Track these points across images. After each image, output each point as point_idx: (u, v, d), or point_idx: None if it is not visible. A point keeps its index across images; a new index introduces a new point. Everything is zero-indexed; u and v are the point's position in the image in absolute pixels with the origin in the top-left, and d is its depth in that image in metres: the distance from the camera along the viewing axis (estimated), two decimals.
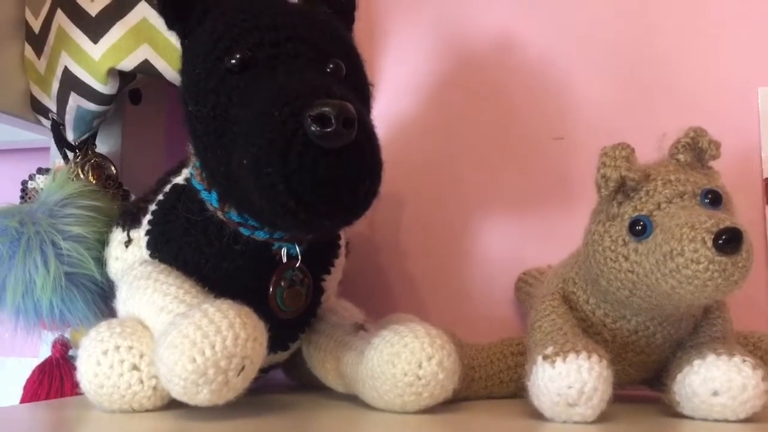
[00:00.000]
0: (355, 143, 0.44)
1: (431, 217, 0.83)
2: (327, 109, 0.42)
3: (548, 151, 0.80)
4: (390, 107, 0.85)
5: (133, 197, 0.73)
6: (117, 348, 0.51)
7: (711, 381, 0.48)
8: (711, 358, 0.49)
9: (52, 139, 0.75)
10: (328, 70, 0.50)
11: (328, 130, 0.42)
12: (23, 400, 0.70)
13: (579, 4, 0.81)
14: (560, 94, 0.80)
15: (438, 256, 0.82)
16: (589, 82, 0.79)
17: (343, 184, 0.44)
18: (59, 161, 0.74)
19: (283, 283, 0.56)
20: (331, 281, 0.62)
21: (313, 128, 0.42)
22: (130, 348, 0.51)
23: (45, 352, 0.74)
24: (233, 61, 0.48)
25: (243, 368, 0.46)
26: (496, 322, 0.78)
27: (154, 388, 0.50)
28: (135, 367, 0.50)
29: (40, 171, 0.74)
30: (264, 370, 0.64)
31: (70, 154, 0.73)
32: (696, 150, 0.53)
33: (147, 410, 0.51)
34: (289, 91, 0.44)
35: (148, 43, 0.65)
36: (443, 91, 0.84)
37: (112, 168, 0.74)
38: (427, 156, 0.83)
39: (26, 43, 0.73)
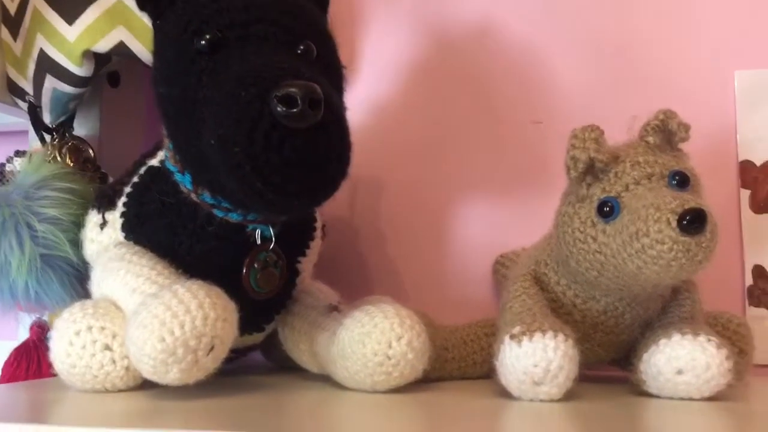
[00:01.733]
0: (321, 124, 0.44)
1: (410, 201, 0.83)
2: (293, 89, 0.42)
3: (527, 135, 0.80)
4: (370, 91, 0.85)
5: (110, 180, 0.73)
6: (89, 328, 0.51)
7: (675, 360, 0.49)
8: (676, 337, 0.50)
9: (30, 122, 0.75)
10: (299, 51, 0.50)
11: (294, 110, 0.42)
12: (1, 382, 0.70)
13: None
14: (539, 78, 0.81)
15: (417, 240, 0.82)
16: (567, 66, 0.80)
17: (310, 164, 0.44)
18: (37, 144, 0.74)
19: (256, 265, 0.56)
20: (307, 263, 0.63)
21: (279, 108, 0.42)
22: (103, 328, 0.51)
23: (23, 334, 0.74)
24: (203, 42, 0.48)
25: (212, 348, 0.46)
26: (475, 304, 0.79)
27: (127, 368, 0.51)
28: (107, 347, 0.51)
29: (17, 153, 0.73)
30: (240, 352, 0.65)
31: (48, 137, 0.73)
32: (665, 132, 0.53)
33: (120, 390, 0.51)
34: (256, 72, 0.45)
35: (124, 24, 0.65)
36: (423, 75, 0.84)
37: (90, 151, 0.74)
38: (406, 140, 0.84)
39: (2, 26, 0.72)
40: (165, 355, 0.45)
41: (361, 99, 0.84)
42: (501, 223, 0.80)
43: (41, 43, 0.67)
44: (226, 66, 0.47)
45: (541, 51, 0.81)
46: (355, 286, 0.81)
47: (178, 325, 0.45)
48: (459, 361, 0.61)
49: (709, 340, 0.49)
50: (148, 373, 0.46)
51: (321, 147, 0.45)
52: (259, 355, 0.73)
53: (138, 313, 0.46)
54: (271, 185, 0.44)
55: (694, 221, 0.46)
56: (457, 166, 0.82)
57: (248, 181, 0.44)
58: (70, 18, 0.65)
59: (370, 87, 0.85)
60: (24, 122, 0.79)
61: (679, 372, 0.49)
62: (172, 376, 0.46)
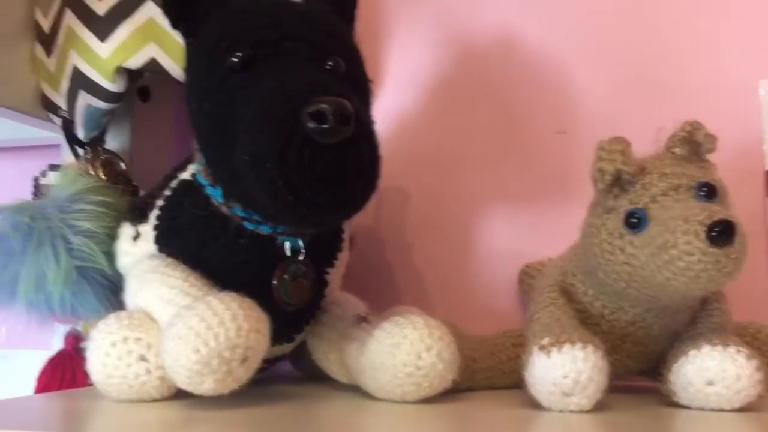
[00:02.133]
0: (352, 139, 0.45)
1: (435, 211, 0.84)
2: (324, 105, 0.43)
3: (551, 146, 0.80)
4: (394, 103, 0.86)
5: (141, 193, 0.74)
6: (125, 339, 0.52)
7: (706, 371, 0.49)
8: (706, 348, 0.50)
9: (64, 137, 0.76)
10: (328, 67, 0.51)
11: (325, 126, 0.43)
12: (36, 392, 0.72)
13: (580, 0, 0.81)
14: (563, 88, 0.81)
15: (442, 250, 0.83)
16: (592, 76, 0.80)
17: (341, 179, 0.45)
18: (70, 158, 0.76)
19: (286, 276, 0.57)
20: (335, 274, 0.63)
21: (310, 125, 0.43)
22: (138, 339, 0.52)
23: (58, 344, 0.76)
24: (234, 60, 0.49)
25: (246, 359, 0.47)
26: (500, 314, 0.79)
27: (162, 379, 0.52)
28: (143, 358, 0.52)
29: (51, 167, 0.75)
30: (270, 362, 0.66)
31: (81, 151, 0.74)
32: (692, 143, 0.53)
33: (155, 400, 0.52)
34: (287, 89, 0.46)
35: (155, 41, 0.66)
36: (447, 86, 0.85)
37: (122, 164, 0.76)
38: (431, 151, 0.84)
39: (36, 43, 0.74)
40: (200, 366, 0.45)
41: (386, 110, 0.85)
42: (526, 233, 0.81)
43: (75, 59, 0.68)
44: (258, 83, 0.48)
45: (564, 61, 0.81)
46: (381, 295, 0.81)
47: (212, 337, 0.45)
48: (487, 371, 0.62)
49: (739, 351, 0.49)
50: (183, 384, 0.47)
51: (352, 162, 0.45)
52: (287, 365, 0.74)
53: (173, 324, 0.47)
54: (303, 200, 0.45)
55: (723, 233, 0.46)
56: (482, 176, 0.83)
57: (281, 196, 0.45)
58: (103, 35, 0.67)
59: (395, 99, 0.86)
60: (57, 137, 0.81)
61: (710, 383, 0.49)
62: (206, 386, 0.47)
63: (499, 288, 0.80)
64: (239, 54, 0.49)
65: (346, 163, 0.45)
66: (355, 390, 0.57)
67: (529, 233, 0.80)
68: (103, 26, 0.67)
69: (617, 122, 0.77)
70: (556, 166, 0.80)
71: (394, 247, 0.84)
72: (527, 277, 0.75)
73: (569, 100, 0.80)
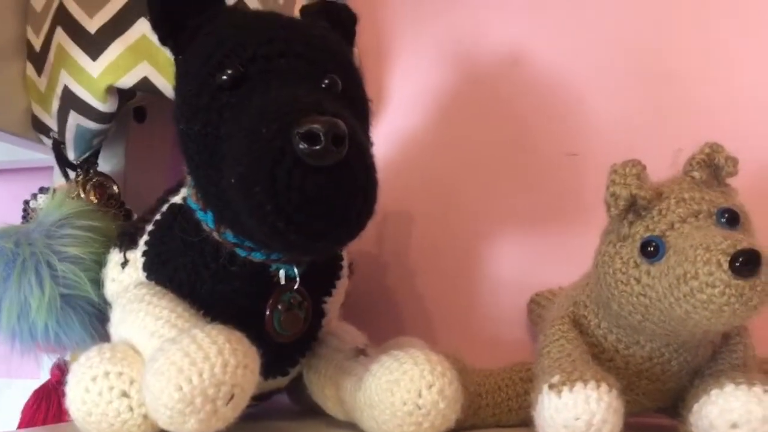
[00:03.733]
0: (346, 161, 0.42)
1: (440, 236, 0.81)
2: (316, 126, 0.40)
3: (561, 168, 0.78)
4: (398, 124, 0.83)
5: (135, 217, 0.72)
6: (106, 374, 0.49)
7: (729, 412, 0.45)
8: (729, 387, 0.46)
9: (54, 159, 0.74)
10: (323, 85, 0.48)
11: (317, 147, 0.40)
12: (20, 425, 0.69)
13: (591, 18, 0.79)
14: (573, 109, 0.78)
15: (447, 276, 0.80)
16: (603, 97, 0.77)
17: (334, 203, 0.42)
18: (61, 180, 0.73)
19: (280, 306, 0.54)
20: (333, 304, 0.60)
21: (301, 146, 0.40)
22: (120, 374, 0.49)
23: (46, 375, 0.73)
24: (224, 77, 0.47)
25: (232, 397, 0.44)
26: (507, 345, 0.76)
27: (145, 416, 0.48)
28: (124, 394, 0.48)
29: (42, 190, 0.73)
30: (263, 397, 0.62)
31: (72, 174, 0.72)
32: (712, 167, 0.50)
33: None
34: (278, 108, 0.43)
35: (148, 60, 0.64)
36: (453, 107, 0.82)
37: (115, 187, 0.73)
38: (436, 173, 0.82)
39: (27, 62, 0.72)
40: (182, 405, 0.42)
41: (390, 132, 0.82)
42: (534, 260, 0.78)
43: (65, 79, 0.66)
44: (248, 101, 0.46)
45: (574, 81, 0.79)
46: (382, 324, 0.78)
47: (196, 373, 0.42)
48: (493, 408, 0.58)
49: (766, 390, 0.45)
50: (165, 424, 0.44)
51: (345, 185, 0.42)
52: (284, 397, 0.71)
53: (155, 359, 0.44)
54: (293, 225, 0.42)
55: (747, 263, 0.42)
56: (489, 200, 0.80)
57: (269, 221, 0.42)
58: (93, 54, 0.64)
59: (399, 120, 0.83)
60: (48, 158, 0.78)
61: (734, 426, 0.45)
62: (189, 426, 0.43)
63: (506, 318, 0.77)
64: (229, 71, 0.47)
65: (340, 186, 0.42)
66: (353, 428, 0.54)
67: (538, 260, 0.77)
68: (94, 44, 0.64)
69: (630, 144, 0.74)
70: (566, 189, 0.77)
71: (396, 273, 0.82)
72: (537, 306, 0.72)
73: (579, 122, 0.77)
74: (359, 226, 0.45)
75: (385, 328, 0.74)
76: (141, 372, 0.49)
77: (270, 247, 0.49)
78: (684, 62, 0.75)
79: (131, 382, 0.49)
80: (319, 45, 0.50)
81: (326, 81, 0.48)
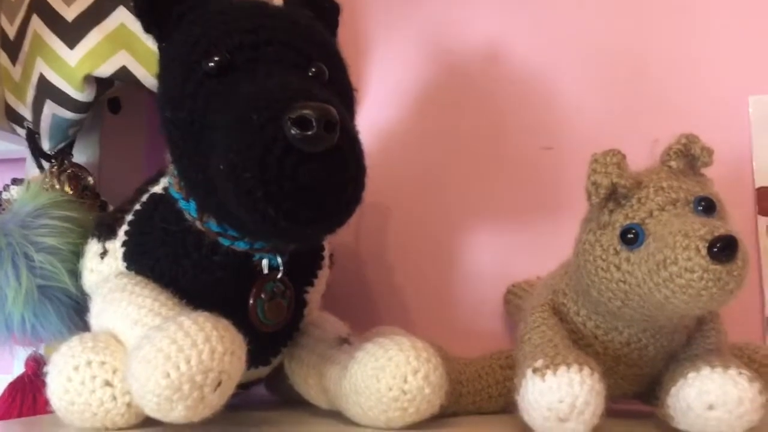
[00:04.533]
0: (337, 147, 0.42)
1: (418, 228, 0.81)
2: (308, 111, 0.41)
3: (537, 161, 0.79)
4: (376, 116, 0.83)
5: (110, 208, 0.71)
6: (89, 363, 0.48)
7: (706, 394, 0.46)
8: (706, 370, 0.47)
9: (28, 149, 0.73)
10: (310, 74, 0.48)
11: (309, 133, 0.40)
12: None
13: (566, 12, 0.80)
14: (549, 103, 0.79)
15: (425, 268, 0.80)
16: (577, 91, 0.78)
17: (325, 189, 0.42)
18: (35, 172, 0.72)
19: (263, 296, 0.54)
20: (314, 293, 0.61)
21: (293, 132, 0.40)
22: (103, 363, 0.48)
23: (19, 369, 0.72)
24: (211, 65, 0.47)
25: (220, 383, 0.44)
26: (485, 335, 0.77)
27: (128, 405, 0.48)
28: (107, 383, 0.48)
29: (14, 181, 0.71)
30: (245, 386, 0.62)
31: (46, 164, 0.71)
32: (688, 157, 0.51)
33: (120, 428, 0.49)
34: (268, 94, 0.43)
35: (126, 49, 0.63)
36: (430, 100, 0.83)
37: (89, 178, 0.72)
38: (413, 166, 0.82)
39: (1, 50, 0.71)
40: (170, 392, 0.42)
41: (367, 125, 0.81)
42: (510, 252, 0.78)
43: (41, 67, 0.65)
44: (236, 89, 0.46)
45: (550, 76, 0.80)
46: (360, 315, 0.78)
47: (183, 360, 0.42)
48: (474, 395, 0.59)
49: (741, 373, 0.47)
50: (152, 411, 0.44)
51: (336, 171, 0.43)
52: (261, 388, 0.70)
53: (141, 347, 0.44)
54: (283, 212, 0.42)
55: (725, 248, 0.43)
56: (465, 193, 0.80)
57: (260, 209, 0.42)
58: (71, 42, 0.64)
59: (376, 112, 0.84)
60: (21, 150, 0.77)
61: (711, 407, 0.46)
62: (177, 413, 0.43)
63: (483, 309, 0.78)
64: (216, 58, 0.46)
65: (331, 173, 0.42)
66: (336, 416, 0.54)
67: (514, 252, 0.78)
68: (71, 33, 0.64)
69: (604, 137, 0.75)
70: (541, 182, 0.78)
71: (374, 265, 0.82)
72: (513, 297, 0.73)
73: (555, 116, 0.79)
74: (348, 212, 0.45)
75: (363, 319, 0.74)
76: (124, 361, 0.48)
77: (258, 235, 0.49)
78: (657, 56, 0.76)
79: (114, 371, 0.48)
80: (306, 34, 0.50)
81: (313, 69, 0.48)
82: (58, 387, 0.49)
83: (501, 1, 0.82)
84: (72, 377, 0.48)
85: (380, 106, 0.84)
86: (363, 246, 0.82)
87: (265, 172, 0.41)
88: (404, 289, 0.81)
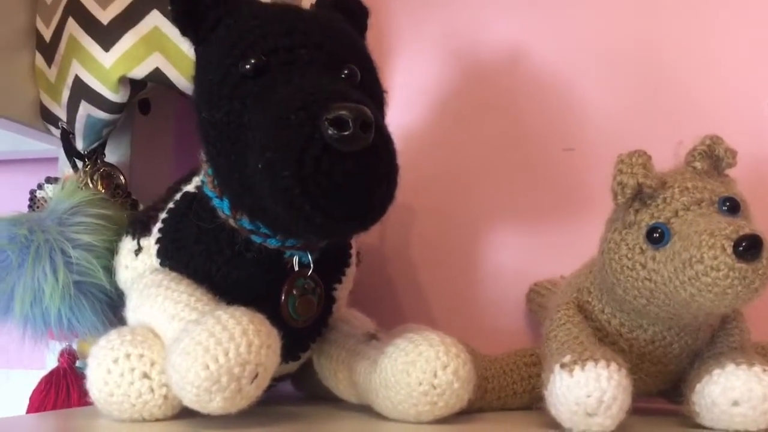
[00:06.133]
0: (372, 147, 0.43)
1: (441, 229, 0.82)
2: (344, 112, 0.42)
3: (558, 163, 0.79)
4: (399, 118, 0.84)
5: (141, 207, 0.72)
6: (127, 356, 0.50)
7: (731, 391, 0.47)
8: (731, 367, 0.48)
9: (61, 149, 0.75)
10: (343, 75, 0.49)
11: (346, 133, 0.42)
12: (29, 411, 0.69)
13: (588, 14, 0.81)
14: (570, 105, 0.80)
15: (447, 268, 0.81)
16: (599, 93, 0.79)
17: (360, 188, 0.44)
18: (68, 171, 0.74)
19: (295, 292, 0.55)
20: (342, 290, 0.62)
21: (330, 131, 0.42)
22: (141, 356, 0.50)
23: (50, 363, 0.73)
24: (248, 67, 0.48)
25: (256, 375, 0.45)
26: (507, 334, 0.78)
27: (165, 397, 0.49)
28: (145, 376, 0.49)
29: (48, 180, 0.73)
30: (275, 381, 0.63)
31: (79, 164, 0.72)
32: (712, 158, 0.52)
33: (157, 419, 0.50)
34: (305, 95, 0.44)
35: (160, 51, 0.65)
36: (453, 102, 0.84)
37: (121, 177, 0.74)
38: (436, 167, 0.83)
39: (37, 52, 0.73)
40: (209, 383, 0.43)
41: (391, 126, 0.83)
42: (532, 251, 0.79)
43: (77, 69, 0.67)
44: (272, 90, 0.47)
45: (571, 77, 0.80)
46: (385, 314, 0.79)
47: (222, 353, 0.43)
48: (499, 391, 0.60)
49: (765, 370, 0.48)
50: (191, 402, 0.45)
51: (371, 170, 0.44)
52: (287, 385, 0.72)
53: (180, 339, 0.45)
54: (319, 209, 0.43)
55: (750, 247, 0.44)
56: (488, 193, 0.82)
57: (297, 205, 0.43)
58: (106, 44, 0.65)
59: (400, 114, 0.85)
60: (53, 149, 0.79)
61: (735, 403, 0.47)
62: (215, 404, 0.45)
63: (505, 307, 0.79)
64: (252, 61, 0.48)
65: (366, 171, 0.43)
66: (364, 410, 0.55)
67: (536, 251, 0.79)
68: (106, 35, 0.65)
69: (625, 139, 0.76)
70: (563, 183, 0.79)
71: (398, 265, 0.83)
72: (536, 295, 0.74)
73: (576, 117, 0.79)
74: (382, 210, 0.46)
75: (387, 317, 0.75)
76: (161, 354, 0.50)
77: (293, 231, 0.50)
78: (677, 58, 0.77)
79: (152, 364, 0.50)
80: (338, 37, 0.51)
81: (345, 71, 0.50)
82: (97, 378, 0.50)
83: (523, 3, 0.83)
84: (111, 369, 0.50)
85: (404, 108, 0.85)
86: (387, 246, 0.83)
87: (302, 170, 0.42)
88: (427, 288, 0.82)
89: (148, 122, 0.80)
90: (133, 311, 0.56)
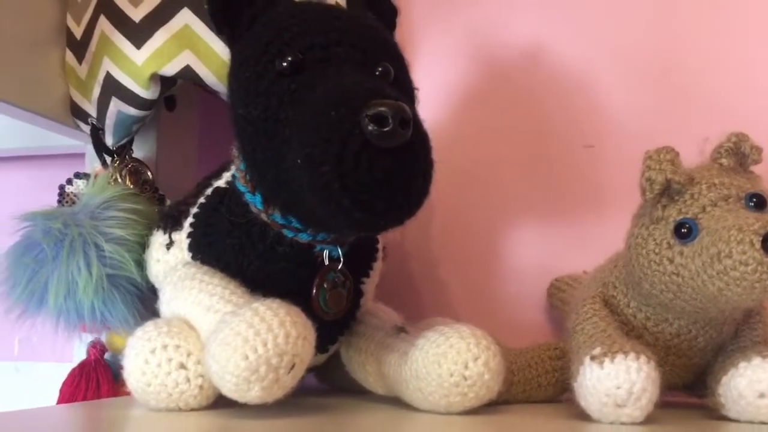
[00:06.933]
0: (410, 143, 0.44)
1: (462, 225, 0.83)
2: (384, 108, 0.43)
3: (579, 159, 0.80)
4: (422, 115, 0.85)
5: (168, 202, 0.74)
6: (164, 347, 0.51)
7: (757, 383, 0.48)
8: (757, 360, 0.49)
9: (89, 145, 0.76)
10: (377, 73, 0.50)
11: (386, 129, 0.43)
12: (60, 403, 0.70)
13: (609, 11, 0.81)
14: (591, 102, 0.81)
15: (469, 264, 0.82)
16: (619, 90, 0.80)
17: (398, 183, 0.45)
18: (96, 166, 0.75)
19: (325, 285, 0.56)
20: (370, 284, 0.63)
21: (370, 128, 0.43)
22: (178, 347, 0.51)
23: (79, 356, 0.74)
24: (284, 64, 0.49)
25: (293, 366, 0.46)
26: (528, 328, 0.78)
27: (201, 387, 0.51)
28: (182, 366, 0.50)
29: (77, 175, 0.74)
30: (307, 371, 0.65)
31: (108, 159, 0.73)
32: (738, 155, 0.53)
33: (192, 409, 0.51)
34: (344, 92, 0.45)
35: (190, 49, 0.66)
36: (474, 100, 0.85)
37: (149, 173, 0.75)
38: (458, 165, 0.84)
39: (67, 49, 0.74)
40: (248, 373, 0.45)
41: None
42: (552, 247, 0.80)
43: (108, 66, 0.68)
44: (310, 87, 0.48)
45: (592, 75, 0.81)
46: (406, 309, 0.80)
47: (260, 343, 0.45)
48: (524, 384, 0.61)
49: None
50: (230, 391, 0.46)
51: (409, 165, 0.45)
52: (310, 377, 0.73)
53: (219, 330, 0.46)
54: (358, 204, 0.44)
55: None
56: (509, 190, 0.82)
57: (336, 200, 0.44)
58: (138, 42, 0.66)
59: (422, 112, 0.85)
60: (81, 145, 0.80)
61: (761, 395, 0.48)
62: (253, 394, 0.46)
63: (526, 302, 0.79)
64: (289, 58, 0.49)
65: (404, 167, 0.45)
66: (394, 401, 0.56)
67: (556, 248, 0.80)
68: (138, 33, 0.66)
69: (646, 136, 0.77)
70: (583, 180, 0.80)
71: (419, 261, 0.84)
72: (558, 291, 0.74)
73: (597, 114, 0.80)
74: (419, 204, 0.47)
75: (408, 313, 0.76)
76: (197, 345, 0.51)
77: (331, 225, 0.51)
78: (698, 54, 0.78)
79: (188, 355, 0.51)
80: (372, 35, 0.52)
81: (380, 69, 0.51)
82: (135, 369, 0.51)
83: (545, 1, 0.84)
84: (149, 360, 0.51)
85: (426, 106, 0.85)
86: (409, 242, 0.84)
87: (342, 165, 0.43)
88: (448, 284, 0.83)
89: (174, 119, 0.81)
90: (167, 304, 0.57)
